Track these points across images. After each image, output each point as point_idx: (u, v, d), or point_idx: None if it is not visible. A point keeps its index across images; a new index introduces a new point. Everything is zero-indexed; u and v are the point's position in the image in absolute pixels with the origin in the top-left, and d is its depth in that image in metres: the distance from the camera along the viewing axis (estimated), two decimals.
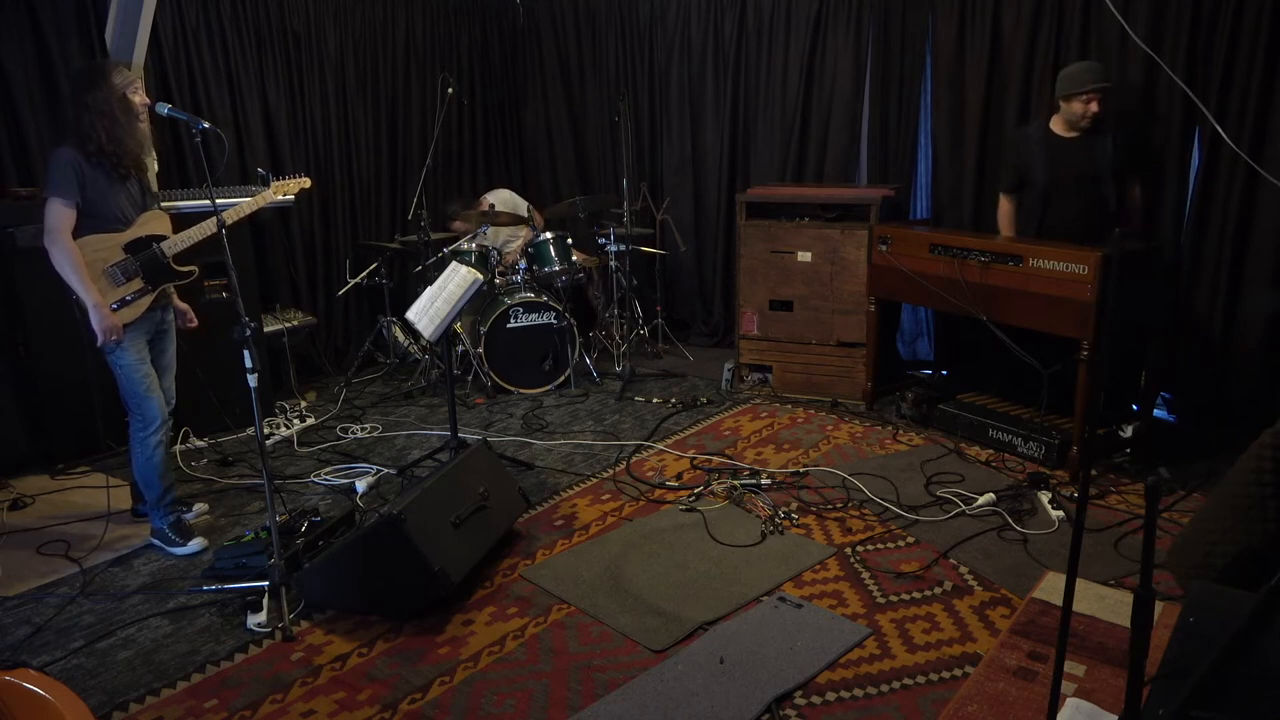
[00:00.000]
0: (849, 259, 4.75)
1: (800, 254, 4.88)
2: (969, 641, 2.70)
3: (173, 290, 3.41)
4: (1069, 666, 2.51)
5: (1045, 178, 4.08)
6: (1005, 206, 4.36)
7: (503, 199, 5.84)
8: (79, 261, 3.06)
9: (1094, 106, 3.89)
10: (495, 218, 5.45)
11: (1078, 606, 2.76)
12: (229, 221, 3.13)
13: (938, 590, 2.99)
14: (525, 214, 5.66)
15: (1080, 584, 2.86)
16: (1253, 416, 3.84)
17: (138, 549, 3.42)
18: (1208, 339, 4.19)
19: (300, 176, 3.70)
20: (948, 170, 5.00)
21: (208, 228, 3.28)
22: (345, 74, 5.68)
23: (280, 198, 3.49)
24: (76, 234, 3.08)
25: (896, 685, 2.51)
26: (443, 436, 4.35)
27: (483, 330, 5.05)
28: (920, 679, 2.53)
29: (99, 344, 3.15)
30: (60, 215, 3.03)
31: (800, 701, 2.44)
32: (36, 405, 4.16)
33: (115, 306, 3.14)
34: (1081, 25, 4.38)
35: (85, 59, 4.29)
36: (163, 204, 3.46)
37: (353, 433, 4.63)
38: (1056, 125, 4.10)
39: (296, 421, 4.72)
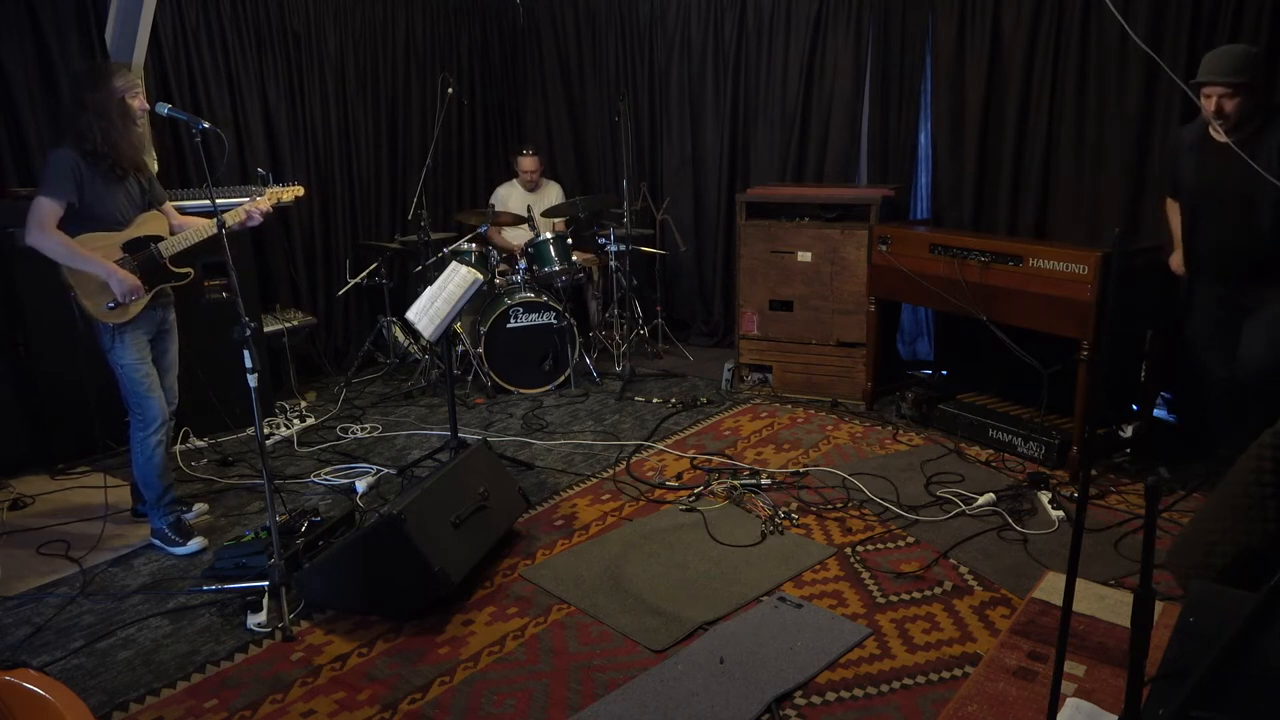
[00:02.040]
0: (849, 259, 4.75)
1: (800, 254, 4.88)
2: (969, 641, 2.70)
3: (171, 291, 3.41)
4: (1069, 666, 2.51)
5: (1190, 189, 3.48)
6: (1171, 210, 3.70)
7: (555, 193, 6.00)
8: (70, 243, 3.06)
9: (1217, 104, 3.17)
10: (497, 218, 5.46)
11: (1078, 606, 2.76)
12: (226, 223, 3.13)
13: (938, 590, 2.99)
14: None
15: (1080, 584, 2.86)
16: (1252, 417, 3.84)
17: (138, 549, 3.42)
18: None
19: (294, 184, 3.69)
20: (948, 170, 5.00)
21: (206, 229, 3.28)
22: (345, 74, 5.68)
23: (268, 208, 3.46)
24: (74, 234, 3.08)
25: (896, 685, 2.51)
26: (443, 436, 4.35)
27: (483, 330, 5.05)
28: (920, 679, 2.53)
29: (123, 301, 3.15)
30: (45, 210, 3.03)
31: (800, 701, 2.44)
32: (36, 405, 4.16)
33: (111, 306, 3.14)
34: (1081, 25, 4.38)
35: (85, 59, 4.29)
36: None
37: (353, 433, 4.63)
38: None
39: (296, 421, 4.72)
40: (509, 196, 5.87)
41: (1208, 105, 3.19)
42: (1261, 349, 3.32)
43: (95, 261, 3.09)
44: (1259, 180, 3.08)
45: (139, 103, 3.16)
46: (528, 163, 5.78)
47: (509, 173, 6.04)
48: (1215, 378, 3.62)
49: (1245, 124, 3.21)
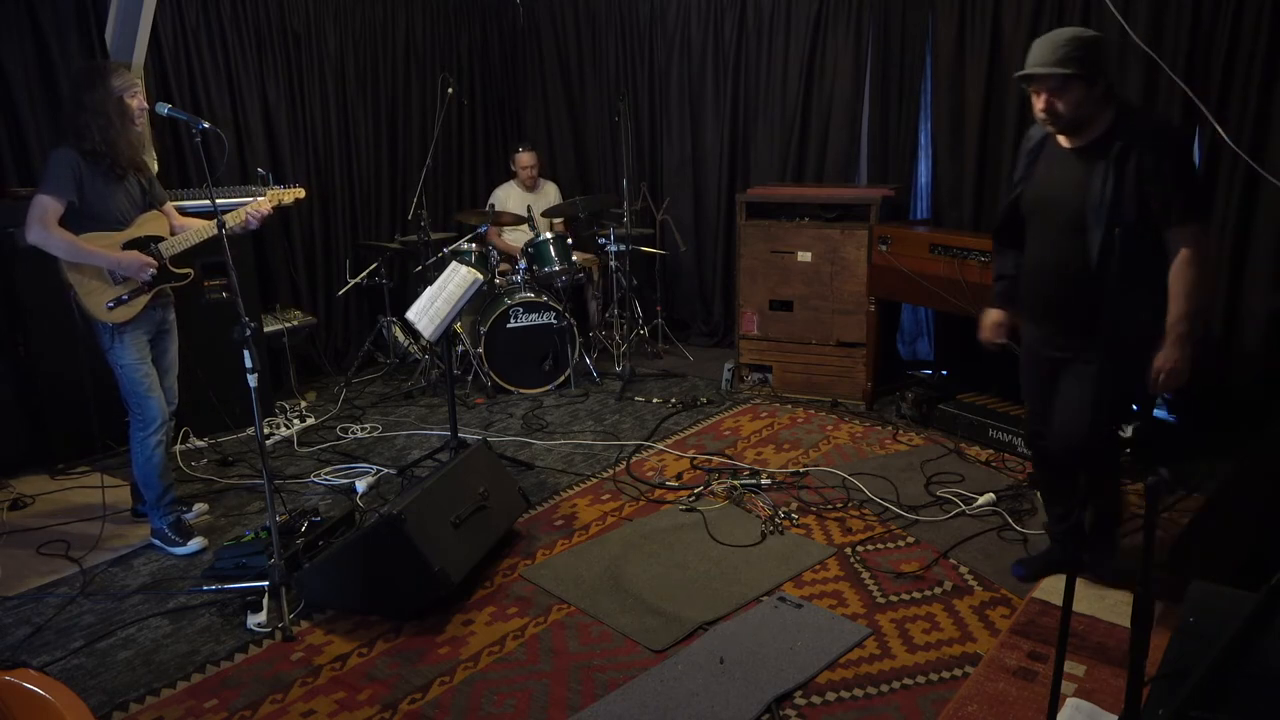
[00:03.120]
0: (849, 259, 4.75)
1: (800, 254, 4.88)
2: (969, 641, 2.70)
3: (171, 291, 3.40)
4: (1069, 666, 2.51)
5: (1026, 202, 2.78)
6: (998, 249, 3.03)
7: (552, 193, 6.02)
8: (73, 238, 3.06)
9: (1046, 103, 2.54)
10: (497, 218, 5.46)
11: (1078, 606, 2.76)
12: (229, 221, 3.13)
13: (938, 590, 2.99)
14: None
15: (1080, 584, 2.86)
16: (1253, 416, 3.84)
17: (138, 549, 3.42)
18: (1208, 339, 4.19)
19: (295, 186, 3.68)
20: (948, 170, 5.00)
21: (207, 230, 3.28)
22: (345, 74, 5.68)
23: (268, 210, 3.45)
24: (75, 233, 3.08)
25: (896, 685, 2.51)
26: (443, 436, 4.35)
27: (483, 330, 5.05)
28: (920, 679, 2.53)
29: (143, 279, 3.17)
30: (46, 208, 3.03)
31: (800, 701, 2.44)
32: (36, 405, 4.16)
33: (111, 305, 3.14)
34: (1081, 25, 4.37)
35: (85, 59, 4.28)
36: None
37: (353, 433, 4.63)
38: None
39: (296, 421, 4.72)
40: (507, 197, 5.87)
41: (1037, 104, 2.56)
42: (1072, 416, 2.71)
43: (98, 253, 3.09)
44: (1094, 197, 2.51)
45: (137, 102, 3.16)
46: (525, 158, 5.79)
47: (509, 174, 6.04)
48: (1037, 442, 2.97)
49: (1084, 126, 2.55)
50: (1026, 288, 2.83)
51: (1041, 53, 2.50)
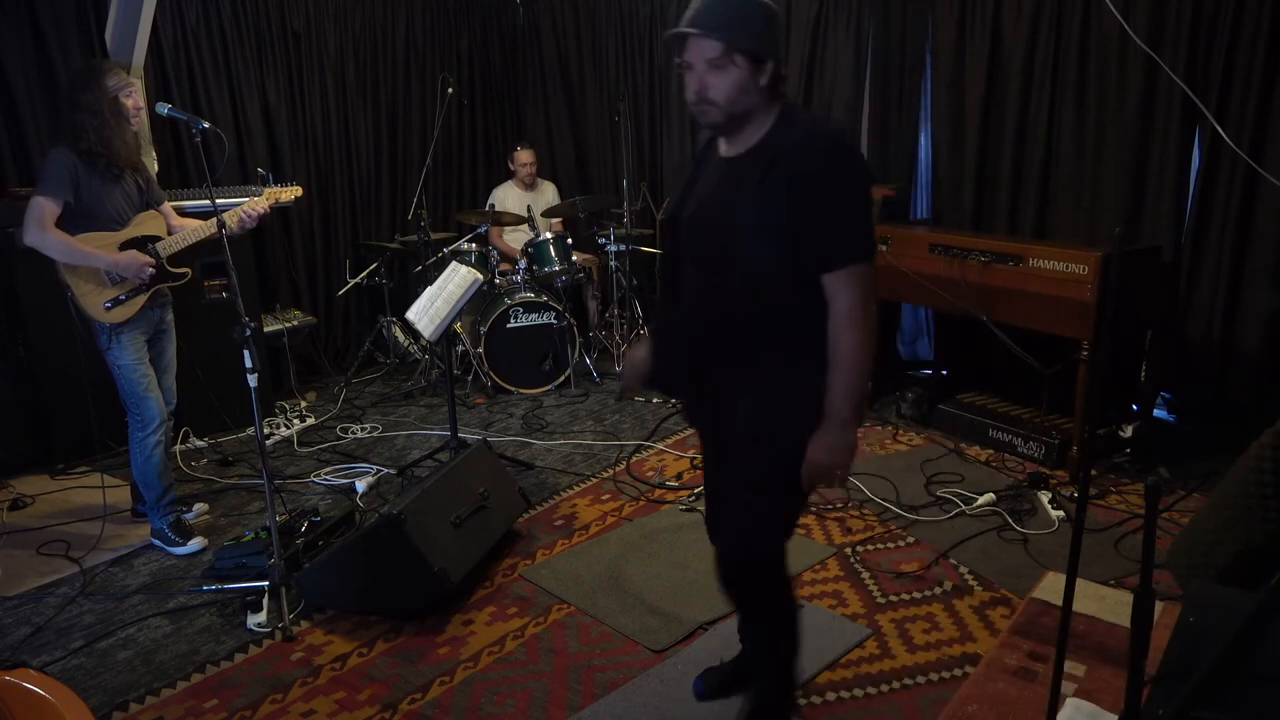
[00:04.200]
0: None
1: None
2: (969, 641, 2.70)
3: (169, 291, 3.40)
4: (1069, 666, 2.51)
5: (677, 224, 2.11)
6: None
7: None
8: (69, 240, 3.06)
9: (699, 81, 1.86)
10: (497, 218, 5.46)
11: (1078, 606, 2.76)
12: (229, 219, 3.12)
13: (938, 590, 2.99)
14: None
15: (1080, 584, 2.85)
16: (1253, 417, 3.84)
17: (138, 549, 3.43)
18: (1208, 339, 4.19)
19: (293, 184, 3.68)
20: (948, 170, 5.00)
21: (204, 229, 3.28)
22: (345, 74, 5.68)
23: (265, 209, 3.44)
24: (72, 234, 3.08)
25: (896, 685, 2.51)
26: (443, 436, 4.35)
27: (483, 330, 5.04)
28: (920, 679, 2.53)
29: (140, 279, 3.17)
30: (43, 210, 3.03)
31: (800, 701, 2.44)
32: (36, 405, 4.16)
33: (108, 305, 3.14)
34: (1081, 25, 4.37)
35: (85, 59, 4.29)
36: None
37: (353, 433, 4.63)
38: None
39: (296, 421, 4.72)
40: (506, 197, 5.87)
41: (688, 85, 1.89)
42: (729, 518, 2.16)
43: (95, 255, 3.09)
44: (738, 216, 1.87)
45: (133, 101, 3.16)
46: (524, 155, 5.79)
47: (508, 174, 6.04)
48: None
49: (743, 125, 1.90)
50: (671, 325, 2.17)
51: (700, 10, 1.83)
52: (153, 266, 3.19)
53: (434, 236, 5.31)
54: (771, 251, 1.84)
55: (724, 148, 1.98)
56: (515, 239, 5.83)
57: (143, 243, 3.24)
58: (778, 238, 1.82)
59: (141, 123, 3.28)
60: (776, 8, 1.86)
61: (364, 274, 5.52)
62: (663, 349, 2.13)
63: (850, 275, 1.83)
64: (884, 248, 4.51)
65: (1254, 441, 1.96)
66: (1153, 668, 1.46)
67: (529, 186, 5.87)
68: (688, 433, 4.52)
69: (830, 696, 2.46)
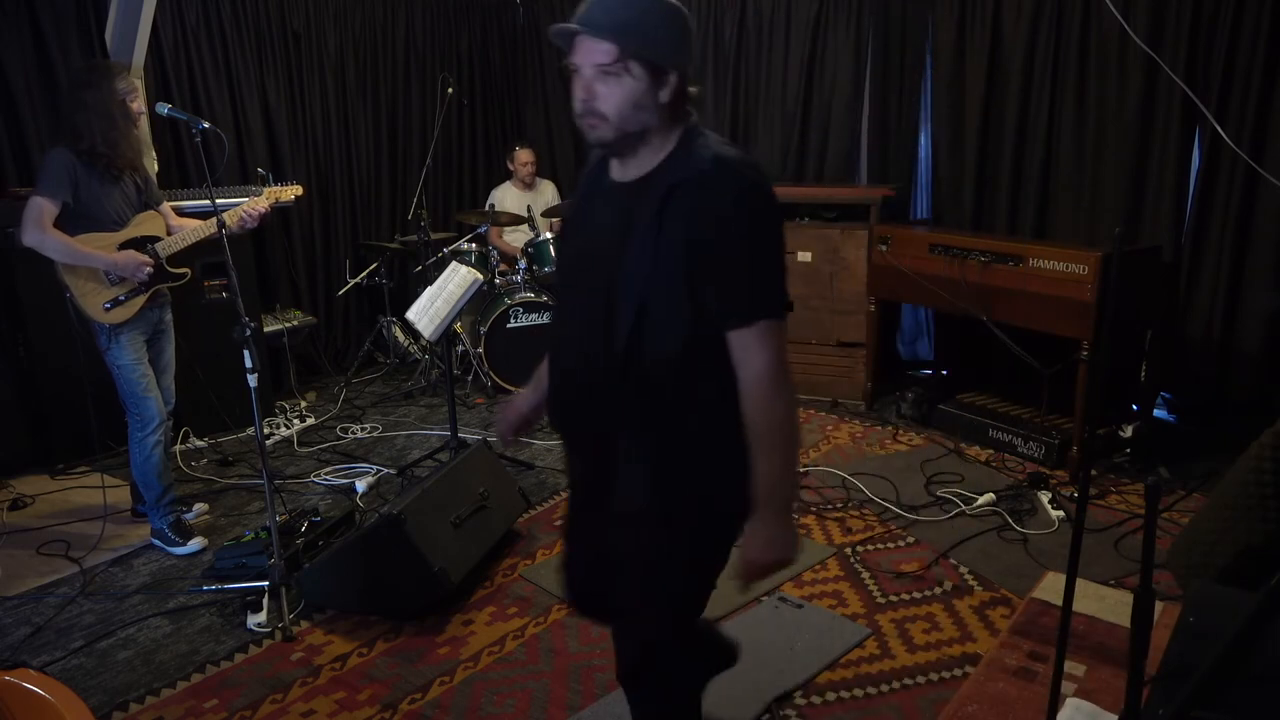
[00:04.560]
0: (849, 259, 4.75)
1: (800, 254, 4.87)
2: (969, 641, 2.70)
3: (168, 291, 3.40)
4: (1069, 666, 2.51)
5: (561, 253, 2.05)
6: None
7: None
8: (68, 240, 3.06)
9: (586, 86, 1.58)
10: (497, 218, 5.46)
11: (1078, 606, 2.76)
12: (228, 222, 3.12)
13: (938, 590, 2.99)
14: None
15: (1080, 584, 2.85)
16: (1253, 416, 3.84)
17: (138, 549, 3.42)
18: (1208, 339, 4.19)
19: (292, 183, 3.68)
20: (948, 170, 5.01)
21: (204, 229, 3.28)
22: (345, 74, 5.68)
23: (265, 208, 3.44)
24: (71, 234, 3.08)
25: (896, 685, 2.51)
26: (443, 436, 4.35)
27: (483, 330, 5.04)
28: (920, 679, 2.53)
29: (139, 278, 3.17)
30: (41, 210, 3.03)
31: (800, 701, 2.44)
32: (36, 405, 4.16)
33: (108, 306, 3.14)
34: (1081, 25, 4.38)
35: (85, 59, 4.28)
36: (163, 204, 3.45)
37: (353, 433, 4.63)
38: None
39: (296, 421, 4.72)
40: (505, 197, 5.87)
41: (575, 93, 1.59)
42: (632, 609, 1.83)
43: (94, 255, 3.09)
44: (627, 255, 1.57)
45: (137, 106, 3.16)
46: (524, 155, 5.79)
47: (508, 174, 6.04)
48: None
49: (637, 146, 1.60)
50: (550, 381, 1.82)
51: (594, 5, 1.55)
52: (151, 266, 3.19)
53: (434, 236, 5.31)
54: (664, 300, 1.54)
55: (615, 170, 1.67)
56: (514, 238, 5.83)
57: (142, 243, 3.24)
58: (671, 284, 1.53)
59: (142, 125, 3.28)
60: (688, 13, 1.59)
61: (364, 274, 5.51)
62: (551, 382, 1.80)
63: (762, 333, 1.53)
64: (884, 248, 4.51)
65: (1254, 441, 1.96)
66: (1153, 668, 1.46)
67: (528, 186, 5.87)
68: None
69: (830, 696, 2.46)
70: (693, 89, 1.63)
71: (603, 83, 1.54)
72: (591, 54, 1.54)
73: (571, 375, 1.72)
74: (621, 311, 1.56)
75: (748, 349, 1.54)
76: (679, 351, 1.56)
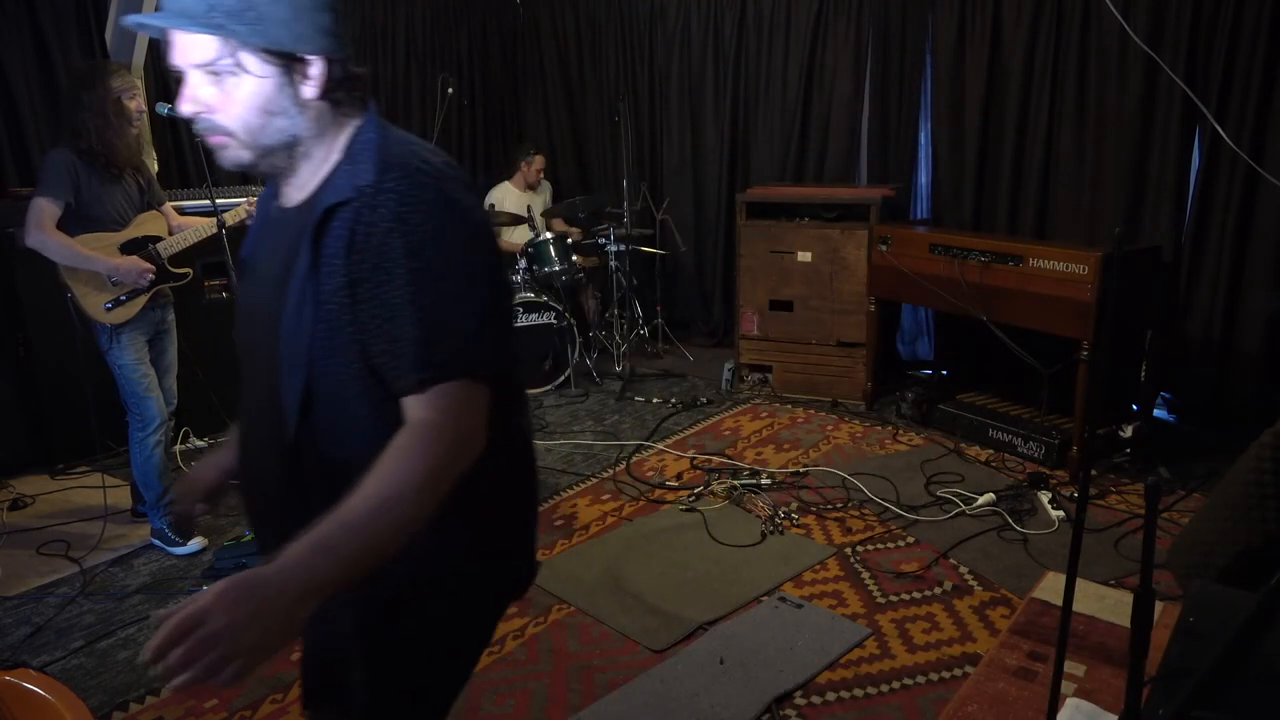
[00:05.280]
0: (849, 259, 4.75)
1: (800, 254, 4.87)
2: (969, 641, 2.70)
3: (169, 291, 3.40)
4: (1069, 666, 2.51)
5: (237, 306, 1.48)
6: None
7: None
8: (70, 243, 3.06)
9: (184, 103, 1.20)
10: (497, 218, 5.46)
11: (1078, 606, 2.76)
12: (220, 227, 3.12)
13: (938, 590, 2.99)
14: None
15: (1080, 584, 2.85)
16: (1253, 416, 3.85)
17: (138, 549, 3.42)
18: (1208, 339, 4.19)
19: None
20: (948, 170, 5.01)
21: (205, 229, 3.28)
22: None
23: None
24: (72, 234, 3.08)
25: (896, 685, 2.51)
26: None
27: None
28: (920, 679, 2.53)
29: (140, 284, 3.16)
30: (43, 211, 3.03)
31: (800, 701, 2.44)
32: (36, 405, 4.16)
33: (109, 306, 3.14)
34: (1081, 25, 4.38)
35: (85, 59, 4.29)
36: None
37: None
38: None
39: None
40: (505, 198, 5.86)
41: (179, 97, 1.22)
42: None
43: (96, 259, 3.09)
44: (286, 310, 1.20)
45: (136, 104, 3.16)
46: (541, 160, 5.83)
47: (510, 174, 6.04)
48: None
49: (290, 157, 1.25)
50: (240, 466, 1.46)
51: None
52: (153, 273, 3.18)
53: None
54: (338, 373, 1.17)
55: (282, 193, 1.30)
56: (515, 239, 5.83)
57: (143, 243, 3.24)
58: (343, 348, 1.16)
59: (143, 124, 3.28)
60: None
61: None
62: (240, 467, 1.42)
63: (439, 399, 1.11)
64: (884, 248, 4.51)
65: (1254, 441, 1.96)
66: (1153, 668, 1.45)
67: (531, 187, 5.87)
68: (688, 432, 4.52)
69: (830, 696, 2.46)
70: (358, 70, 1.32)
71: (214, 86, 1.16)
72: (188, 51, 1.15)
73: (249, 463, 1.36)
74: (286, 392, 1.18)
75: (417, 414, 1.12)
76: (364, 445, 1.13)
